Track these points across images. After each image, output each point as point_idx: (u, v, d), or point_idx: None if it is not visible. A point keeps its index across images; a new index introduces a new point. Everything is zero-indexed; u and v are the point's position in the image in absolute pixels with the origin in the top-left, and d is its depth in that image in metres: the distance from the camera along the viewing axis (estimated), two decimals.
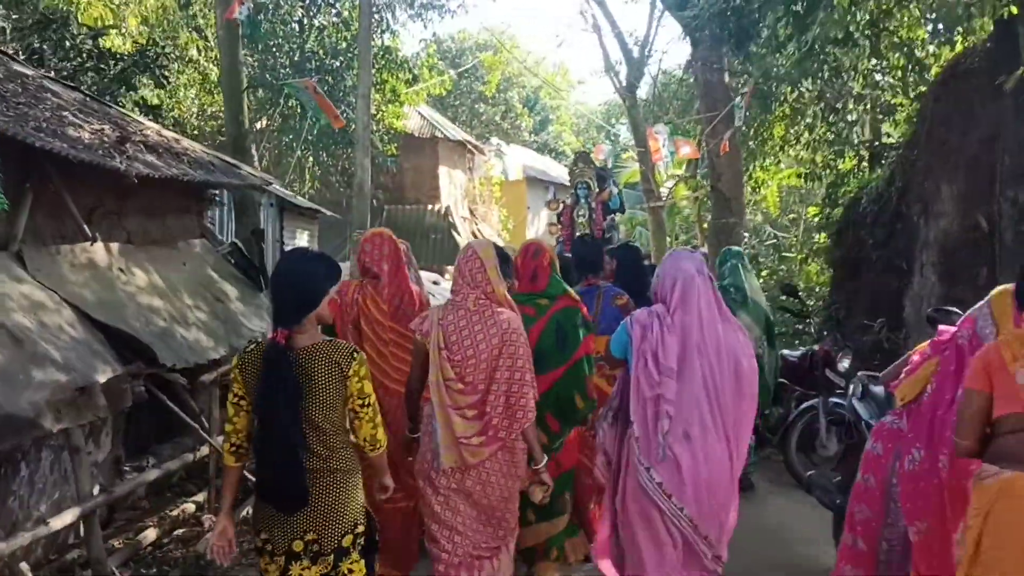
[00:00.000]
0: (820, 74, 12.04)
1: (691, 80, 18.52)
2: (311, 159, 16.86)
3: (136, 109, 7.28)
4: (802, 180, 22.07)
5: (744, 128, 15.24)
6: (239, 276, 6.57)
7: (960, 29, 7.62)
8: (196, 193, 6.58)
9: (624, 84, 19.58)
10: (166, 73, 7.88)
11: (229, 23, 8.85)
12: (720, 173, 15.39)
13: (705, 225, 20.85)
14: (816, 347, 6.38)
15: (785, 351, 7.00)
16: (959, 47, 7.99)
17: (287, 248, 9.90)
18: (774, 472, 6.65)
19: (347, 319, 4.25)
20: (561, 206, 16.31)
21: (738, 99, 14.11)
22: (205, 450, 5.42)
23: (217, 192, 7.64)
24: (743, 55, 13.79)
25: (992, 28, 6.87)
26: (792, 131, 18.40)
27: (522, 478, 3.61)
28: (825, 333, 6.59)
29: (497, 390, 3.48)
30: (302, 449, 2.73)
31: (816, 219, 15.43)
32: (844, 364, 6.23)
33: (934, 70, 9.32)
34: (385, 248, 4.34)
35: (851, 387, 4.68)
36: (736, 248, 7.40)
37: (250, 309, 6.22)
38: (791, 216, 23.07)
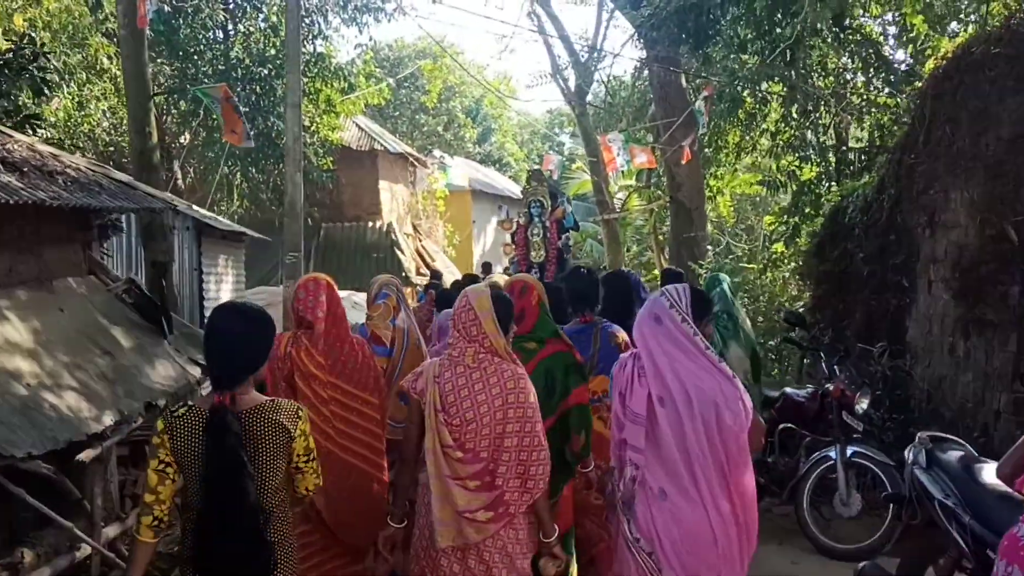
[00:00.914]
0: (787, 74, 11.34)
1: (644, 85, 17.81)
2: (239, 176, 15.60)
3: (4, 119, 6.13)
4: (762, 188, 21.73)
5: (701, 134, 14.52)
6: (137, 320, 5.44)
7: (972, 14, 6.87)
8: (80, 220, 5.45)
9: (573, 90, 18.74)
10: (47, 77, 6.73)
11: (131, 21, 7.71)
12: (680, 183, 14.63)
13: (661, 237, 20.17)
14: (829, 386, 5.48)
15: (789, 389, 6.10)
16: (963, 36, 7.27)
17: (207, 277, 8.74)
18: (775, 526, 5.74)
19: (279, 375, 3.91)
20: (515, 225, 15.91)
21: (698, 103, 13.33)
22: (87, 549, 4.30)
23: (116, 217, 6.48)
24: (702, 56, 13.00)
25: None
26: (749, 137, 17.91)
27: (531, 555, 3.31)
28: (836, 368, 5.68)
29: (508, 460, 3.19)
30: (267, 521, 2.63)
31: (774, 229, 14.75)
32: (863, 405, 5.33)
33: (929, 64, 8.56)
34: (321, 295, 4.02)
35: (911, 453, 3.78)
36: (723, 274, 7.07)
37: (150, 360, 5.10)
38: (745, 225, 22.52)
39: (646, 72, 17.41)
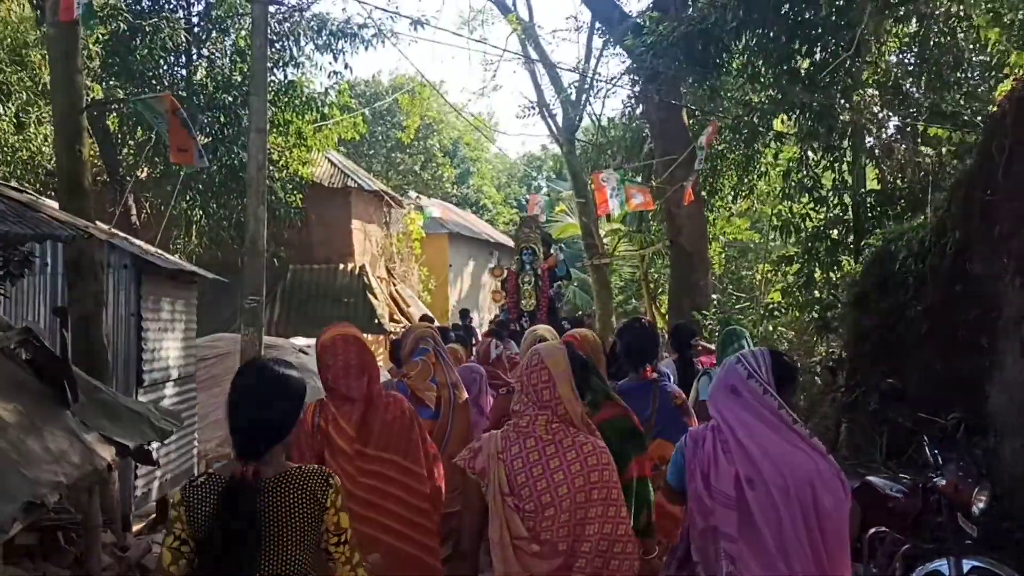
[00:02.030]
0: (811, 105, 10.36)
1: (639, 121, 16.87)
2: (198, 211, 14.34)
3: None
4: (756, 234, 20.80)
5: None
6: (32, 383, 4.16)
7: None
8: None
9: (561, 126, 17.79)
10: None
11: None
12: (680, 226, 13.60)
13: (652, 284, 19.12)
14: (939, 480, 4.27)
15: (875, 480, 4.91)
16: None
17: (147, 325, 7.45)
18: None
19: (308, 452, 3.41)
20: (505, 273, 15.35)
21: (701, 139, 12.34)
22: None
23: (28, 250, 5.22)
24: (709, 88, 12.02)
25: None
26: (746, 180, 16.99)
27: None
28: (936, 453, 4.48)
29: (588, 551, 2.76)
30: None
31: (774, 277, 13.71)
32: (981, 504, 4.16)
33: (1006, 84, 7.57)
34: (353, 358, 3.50)
35: None
36: (740, 329, 6.54)
37: (41, 438, 3.81)
38: (732, 274, 21.52)
39: (640, 107, 16.68)
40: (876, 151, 10.44)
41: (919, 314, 6.95)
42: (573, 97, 17.64)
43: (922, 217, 8.39)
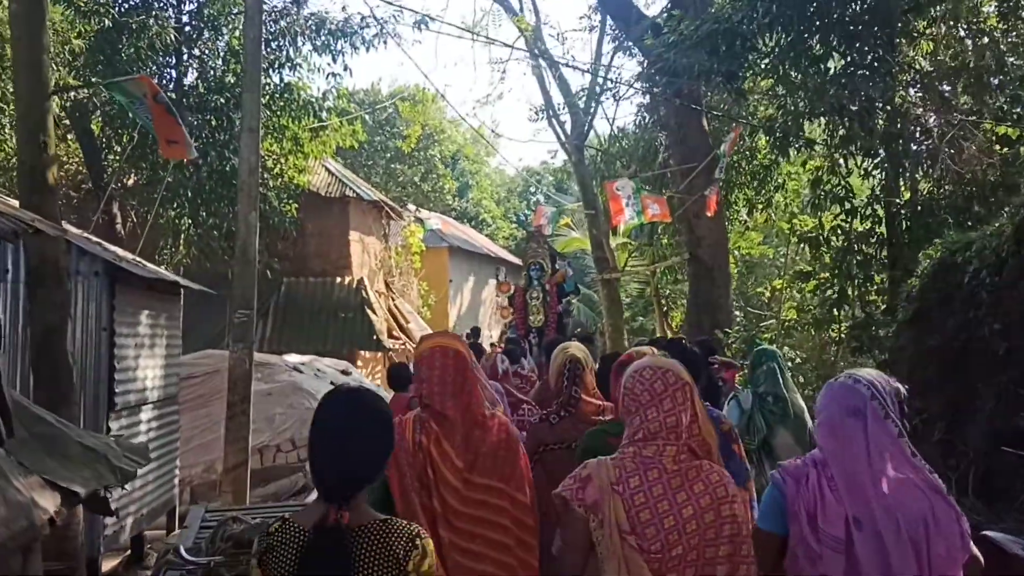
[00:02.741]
0: (849, 108, 9.64)
1: (649, 130, 16.16)
2: (187, 220, 13.54)
3: None
4: (769, 248, 20.08)
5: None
6: None
7: None
8: None
9: (568, 135, 17.05)
10: None
11: None
12: (700, 238, 12.84)
13: (663, 300, 18.37)
14: None
15: (995, 535, 4.10)
16: None
17: (122, 341, 6.66)
18: None
19: (408, 471, 3.07)
20: (512, 288, 14.85)
21: (723, 146, 11.62)
22: None
23: None
24: (735, 90, 11.29)
25: None
26: (763, 191, 16.32)
27: None
28: None
29: None
30: None
31: (802, 292, 12.98)
32: None
33: None
34: (449, 371, 3.19)
35: None
36: (771, 348, 6.26)
37: None
38: (748, 292, 20.80)
39: (657, 113, 15.96)
40: (922, 156, 9.66)
41: (995, 333, 6.15)
42: (583, 103, 16.90)
43: (996, 224, 7.61)
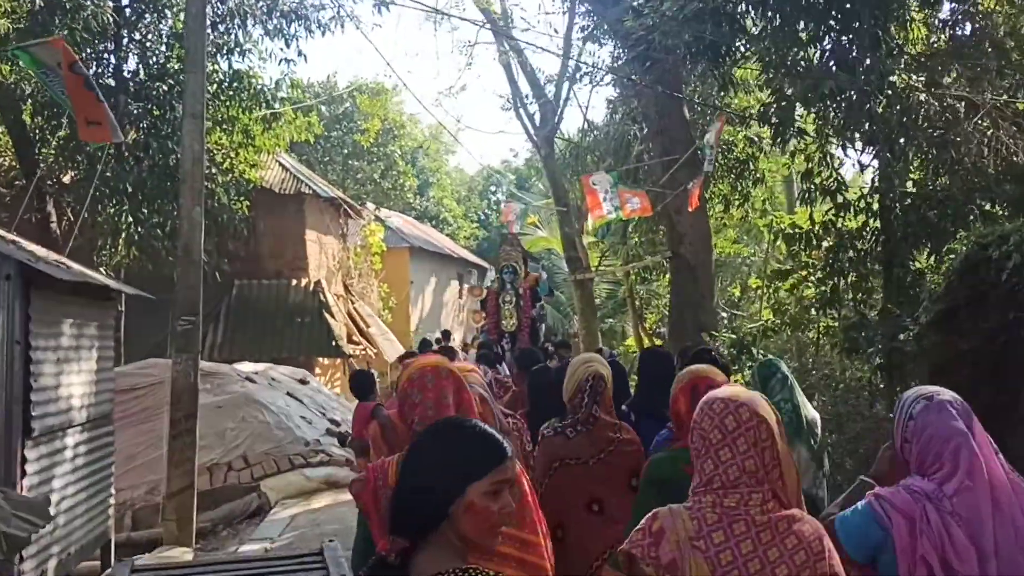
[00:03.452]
0: (848, 93, 8.99)
1: (624, 122, 15.46)
2: (127, 218, 12.53)
3: None
4: (742, 247, 19.54)
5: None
6: None
7: None
8: None
9: (537, 128, 16.30)
10: None
11: None
12: (682, 234, 12.14)
13: (639, 302, 17.69)
14: None
15: None
16: None
17: (39, 355, 5.75)
18: None
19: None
20: (485, 292, 14.57)
21: (708, 136, 10.94)
22: None
23: None
24: (721, 76, 10.61)
25: None
26: (740, 186, 15.78)
27: None
28: None
29: None
30: None
31: (777, 292, 12.40)
32: None
33: None
34: (444, 392, 2.91)
35: None
36: (777, 359, 5.82)
37: None
38: (730, 289, 20.28)
39: (634, 102, 15.28)
40: (923, 143, 9.05)
41: None
42: (553, 93, 16.16)
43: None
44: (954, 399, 2.56)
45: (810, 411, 5.29)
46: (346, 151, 25.81)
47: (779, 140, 9.86)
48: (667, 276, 17.43)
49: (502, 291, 13.94)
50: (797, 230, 11.34)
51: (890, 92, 9.13)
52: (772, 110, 9.50)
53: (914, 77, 9.21)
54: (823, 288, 11.01)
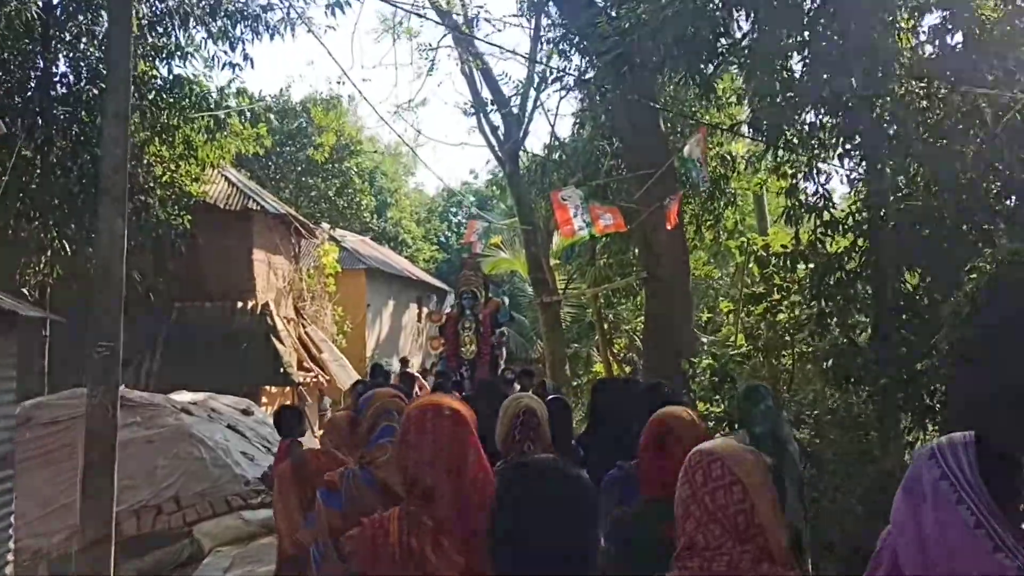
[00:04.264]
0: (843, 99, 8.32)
1: (592, 136, 14.75)
2: (53, 233, 11.45)
3: None
4: (712, 269, 18.90)
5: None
6: None
7: None
8: None
9: (501, 142, 15.52)
10: None
11: None
12: (658, 254, 11.40)
13: (607, 326, 16.89)
14: None
15: None
16: None
17: None
18: None
19: None
20: (444, 318, 14.16)
21: (690, 146, 10.23)
22: None
23: None
24: (702, 83, 9.90)
25: None
26: (712, 206, 15.23)
27: None
28: None
29: None
30: None
31: (750, 315, 11.74)
32: None
33: None
34: (444, 436, 2.63)
35: None
36: (764, 386, 5.66)
37: None
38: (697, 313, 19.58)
39: (603, 113, 14.62)
40: (927, 155, 8.38)
41: None
42: (517, 105, 15.40)
43: None
44: (941, 446, 2.15)
45: (792, 444, 5.20)
46: (299, 168, 24.83)
47: (770, 150, 9.15)
48: (636, 299, 16.84)
49: (461, 317, 13.57)
50: (782, 250, 10.70)
51: (887, 98, 8.50)
52: (761, 117, 8.78)
53: (913, 83, 8.54)
54: (798, 313, 10.42)
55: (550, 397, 6.07)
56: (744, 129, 11.25)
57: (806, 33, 8.53)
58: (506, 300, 14.93)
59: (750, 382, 7.06)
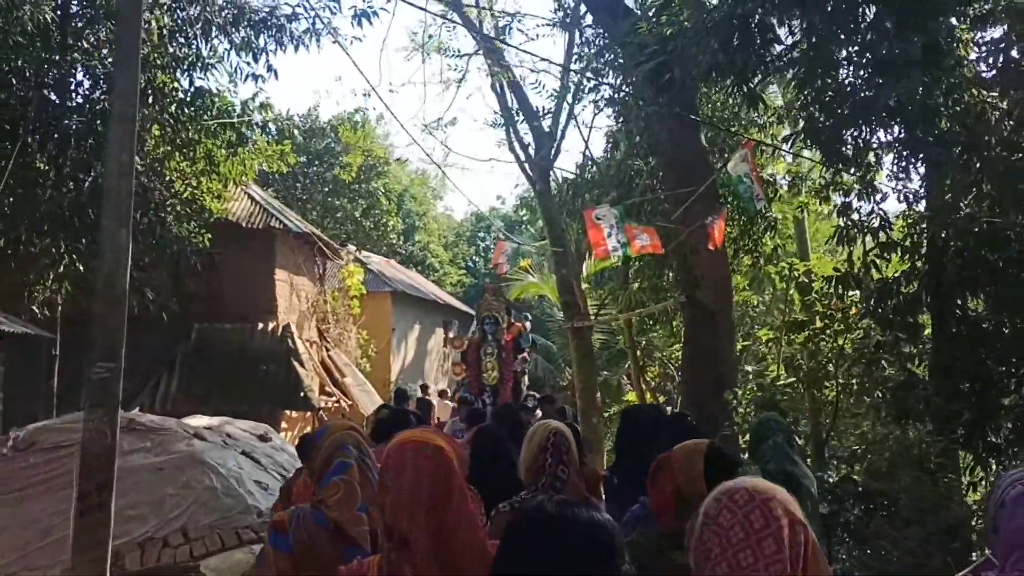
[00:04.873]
0: (909, 109, 7.64)
1: (626, 152, 14.12)
2: (63, 248, 11.01)
3: None
4: (752, 295, 18.15)
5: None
6: None
7: None
8: None
9: (532, 160, 14.93)
10: None
11: None
12: (698, 277, 10.71)
13: (640, 354, 16.19)
14: None
15: None
16: None
17: None
18: None
19: None
20: (466, 343, 14.04)
21: (734, 161, 9.61)
22: None
23: None
24: (748, 94, 9.24)
25: None
26: (752, 231, 14.57)
27: None
28: None
29: None
30: None
31: (791, 345, 11.03)
32: None
33: None
34: (424, 477, 2.43)
35: None
36: (778, 417, 5.41)
37: None
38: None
39: (622, 139, 14.06)
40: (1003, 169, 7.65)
41: None
42: (549, 121, 14.83)
43: None
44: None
45: (809, 479, 4.95)
46: (326, 189, 24.39)
47: (813, 168, 8.47)
48: (672, 325, 16.14)
49: (484, 343, 13.51)
50: (834, 273, 10.01)
51: (957, 108, 7.80)
52: (818, 129, 8.10)
53: (984, 93, 7.84)
54: (841, 342, 9.78)
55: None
56: (785, 144, 10.58)
57: (869, 34, 7.84)
58: (528, 325, 14.69)
59: (762, 415, 6.58)
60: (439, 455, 2.49)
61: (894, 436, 8.84)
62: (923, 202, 9.17)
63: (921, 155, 7.91)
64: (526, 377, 14.62)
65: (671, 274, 14.72)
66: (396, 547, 2.43)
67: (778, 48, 8.89)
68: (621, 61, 11.89)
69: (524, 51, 14.67)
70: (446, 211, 49.91)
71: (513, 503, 3.53)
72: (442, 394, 17.35)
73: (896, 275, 9.36)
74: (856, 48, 8.29)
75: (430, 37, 15.68)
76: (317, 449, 3.41)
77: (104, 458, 6.90)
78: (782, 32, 8.99)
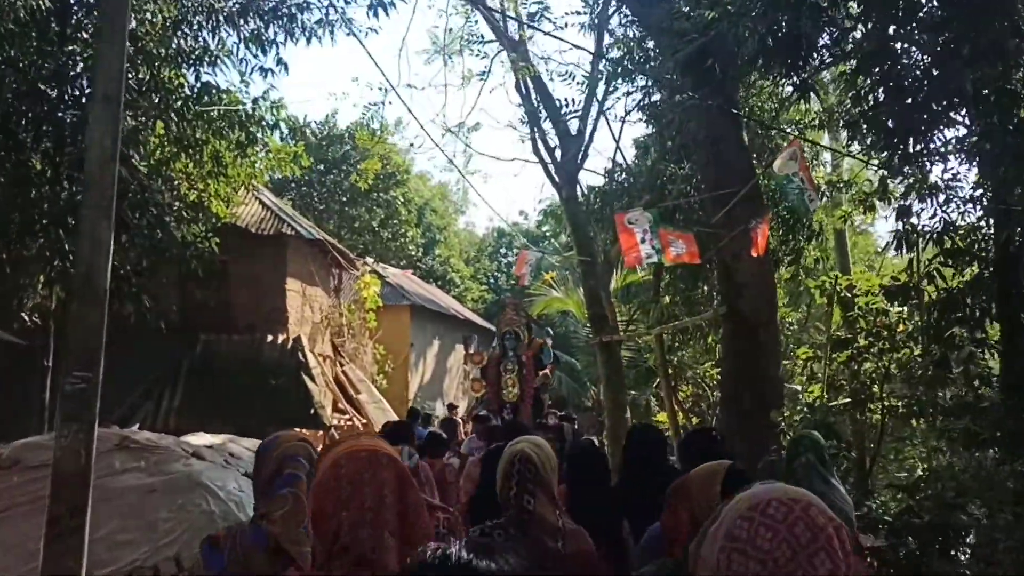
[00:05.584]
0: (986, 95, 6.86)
1: (657, 155, 13.39)
2: (55, 246, 10.40)
3: None
4: (792, 311, 17.31)
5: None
6: None
7: None
8: None
9: (558, 164, 14.22)
10: None
11: None
12: (740, 284, 9.89)
13: (672, 371, 15.34)
14: None
15: None
16: None
17: None
18: None
19: None
20: (485, 359, 13.77)
21: (781, 160, 8.83)
22: None
23: None
24: (800, 85, 8.46)
25: None
26: (791, 240, 13.77)
27: None
28: None
29: None
30: None
31: (835, 363, 10.22)
32: None
33: None
34: (377, 491, 2.46)
35: None
36: (814, 435, 4.86)
37: None
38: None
39: (655, 142, 13.34)
40: None
41: None
42: (575, 128, 14.11)
43: None
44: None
45: (845, 502, 4.62)
46: (344, 198, 23.73)
47: (891, 157, 7.67)
48: (706, 341, 15.35)
49: (503, 359, 13.40)
50: (892, 282, 9.23)
51: None
52: (883, 116, 7.31)
53: None
54: (886, 360, 9.02)
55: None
56: (843, 133, 9.79)
57: (939, 12, 7.05)
58: (549, 341, 14.53)
59: (799, 431, 6.14)
60: (394, 465, 2.48)
61: (966, 462, 8.00)
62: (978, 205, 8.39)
63: (997, 148, 7.06)
64: (547, 394, 14.14)
65: (705, 287, 13.94)
66: (338, 559, 2.35)
67: (833, 31, 8.11)
68: (656, 51, 11.18)
69: (555, 36, 14.04)
70: (467, 226, 49.39)
71: (483, 529, 3.39)
72: (450, 408, 17.15)
73: (959, 286, 8.59)
74: (919, 32, 7.53)
75: (450, 30, 15.03)
76: (265, 460, 3.20)
77: (78, 479, 6.20)
78: (837, 15, 8.24)
